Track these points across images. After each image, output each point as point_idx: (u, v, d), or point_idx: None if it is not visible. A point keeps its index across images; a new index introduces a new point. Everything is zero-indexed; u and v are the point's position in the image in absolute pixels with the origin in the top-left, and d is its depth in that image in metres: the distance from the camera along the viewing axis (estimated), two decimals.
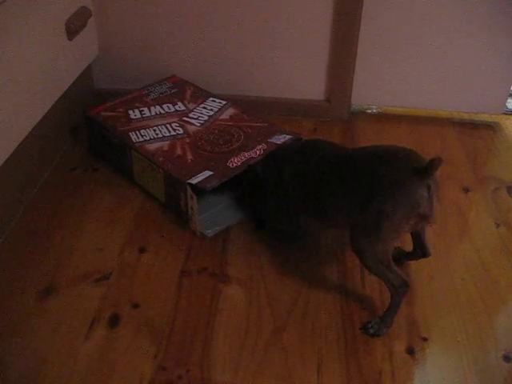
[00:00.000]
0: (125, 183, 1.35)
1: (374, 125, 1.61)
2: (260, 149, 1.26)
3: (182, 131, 1.34)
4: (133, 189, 1.34)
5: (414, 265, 1.14)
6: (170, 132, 1.34)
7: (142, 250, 1.17)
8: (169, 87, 1.52)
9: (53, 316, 1.03)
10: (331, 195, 1.04)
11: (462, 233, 1.24)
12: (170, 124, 1.37)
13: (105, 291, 1.08)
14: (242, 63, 1.59)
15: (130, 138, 1.31)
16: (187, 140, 1.31)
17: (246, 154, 1.24)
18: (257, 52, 1.57)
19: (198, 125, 1.37)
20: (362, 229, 0.98)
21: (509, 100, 1.65)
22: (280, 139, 1.29)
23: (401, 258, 1.14)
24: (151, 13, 1.54)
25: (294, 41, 1.54)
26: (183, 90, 1.51)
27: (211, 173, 1.19)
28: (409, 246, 1.13)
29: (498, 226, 1.25)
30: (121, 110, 1.42)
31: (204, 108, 1.43)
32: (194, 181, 1.16)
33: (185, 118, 1.39)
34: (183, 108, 1.43)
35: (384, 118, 1.65)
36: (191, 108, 1.43)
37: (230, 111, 1.42)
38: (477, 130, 1.60)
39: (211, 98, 1.47)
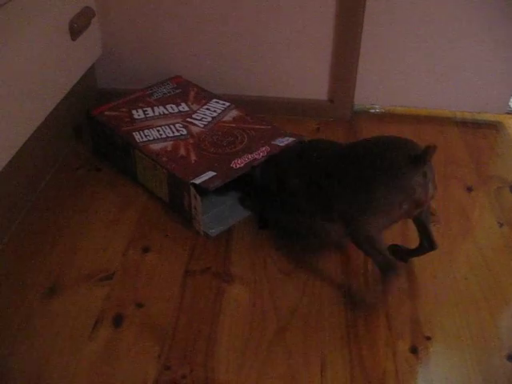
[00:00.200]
0: (128, 183, 1.36)
1: (376, 124, 1.61)
2: (263, 151, 1.26)
3: (185, 132, 1.34)
4: (136, 189, 1.34)
5: (417, 264, 1.14)
6: (173, 133, 1.34)
7: (145, 250, 1.17)
8: (172, 88, 1.52)
9: (57, 316, 1.03)
10: (334, 190, 1.04)
11: (465, 232, 1.23)
12: (173, 125, 1.37)
13: (108, 291, 1.08)
14: (245, 63, 1.60)
15: (134, 138, 1.31)
16: (191, 141, 1.31)
17: (250, 156, 1.24)
18: (259, 52, 1.58)
19: (202, 126, 1.37)
20: (356, 208, 1.00)
21: None
22: (283, 141, 1.29)
23: (406, 256, 1.14)
24: (155, 13, 1.55)
25: (297, 41, 1.55)
26: (187, 90, 1.52)
27: (214, 173, 1.19)
28: (412, 244, 1.13)
29: (501, 225, 1.25)
30: (124, 109, 1.42)
31: (207, 109, 1.43)
32: (197, 181, 1.17)
33: (188, 119, 1.39)
34: (187, 109, 1.43)
35: (387, 118, 1.65)
36: (195, 109, 1.43)
37: (234, 113, 1.42)
38: (480, 129, 1.60)
39: (215, 100, 1.47)
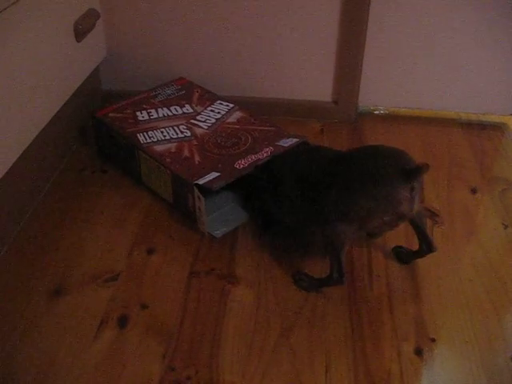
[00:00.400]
0: (133, 184, 1.36)
1: (381, 126, 1.61)
2: (267, 151, 1.26)
3: (189, 134, 1.35)
4: (141, 190, 1.34)
5: (421, 265, 1.14)
6: (177, 134, 1.34)
7: (150, 251, 1.18)
8: (176, 89, 1.53)
9: (62, 317, 1.03)
10: (326, 194, 1.04)
11: (469, 234, 1.23)
12: (177, 126, 1.37)
13: (113, 292, 1.08)
14: (250, 65, 1.60)
15: (138, 139, 1.31)
16: (195, 142, 1.31)
17: (253, 157, 1.24)
18: (264, 54, 1.58)
19: (206, 127, 1.37)
20: (338, 211, 1.00)
21: None
22: (287, 142, 1.29)
23: (408, 257, 1.14)
24: (159, 15, 1.55)
25: (301, 42, 1.55)
26: (191, 92, 1.52)
27: (218, 174, 1.19)
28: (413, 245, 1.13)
29: (506, 227, 1.25)
30: (128, 111, 1.43)
31: (211, 111, 1.44)
32: (201, 181, 1.17)
33: (192, 121, 1.39)
34: (191, 110, 1.44)
35: (391, 119, 1.65)
36: (199, 111, 1.44)
37: (238, 114, 1.42)
38: (484, 130, 1.60)
39: (219, 101, 1.48)
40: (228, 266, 1.14)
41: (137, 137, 1.32)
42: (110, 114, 1.41)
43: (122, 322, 1.03)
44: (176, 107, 1.45)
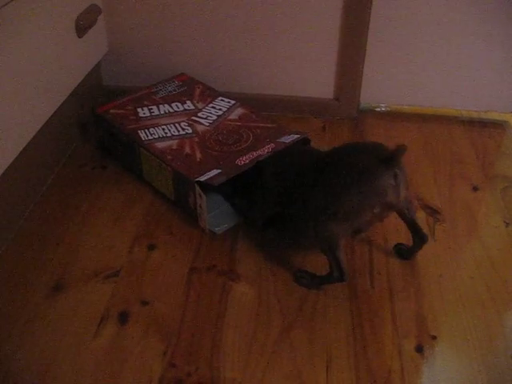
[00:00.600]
0: (134, 181, 1.36)
1: (382, 123, 1.61)
2: (268, 148, 1.26)
3: (190, 130, 1.34)
4: (142, 186, 1.34)
5: (422, 263, 1.14)
6: (178, 131, 1.34)
7: (151, 248, 1.18)
8: (177, 85, 1.52)
9: (62, 313, 1.03)
10: (311, 195, 1.05)
11: (471, 231, 1.23)
12: (178, 123, 1.37)
13: (114, 288, 1.08)
14: (251, 61, 1.59)
15: (139, 136, 1.31)
16: (196, 139, 1.31)
17: (255, 153, 1.24)
18: (266, 50, 1.57)
19: (207, 124, 1.37)
20: (327, 211, 1.00)
21: None
22: (289, 139, 1.28)
23: (408, 253, 1.14)
24: (161, 10, 1.55)
25: (303, 39, 1.54)
26: (192, 88, 1.52)
27: (219, 171, 1.19)
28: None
29: (507, 224, 1.24)
30: (129, 107, 1.42)
31: (213, 108, 1.43)
32: (202, 179, 1.17)
33: (194, 118, 1.39)
34: (192, 107, 1.43)
35: (393, 117, 1.64)
36: (200, 107, 1.43)
37: (239, 111, 1.42)
38: (486, 128, 1.59)
39: (220, 98, 1.47)
40: (229, 262, 1.14)
41: (138, 134, 1.32)
42: (111, 111, 1.41)
43: (123, 318, 1.02)
44: (177, 104, 1.44)
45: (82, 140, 1.51)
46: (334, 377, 0.93)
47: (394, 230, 1.20)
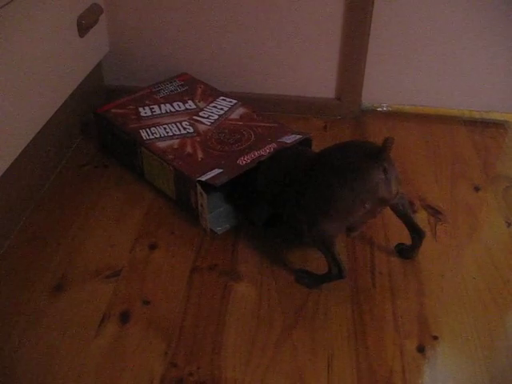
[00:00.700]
0: (135, 180, 1.36)
1: (384, 123, 1.61)
2: (270, 147, 1.26)
3: (192, 130, 1.34)
4: (143, 186, 1.34)
5: (424, 263, 1.14)
6: (180, 130, 1.34)
7: (152, 247, 1.17)
8: (179, 85, 1.52)
9: (63, 313, 1.03)
10: (300, 193, 1.06)
11: (472, 232, 1.23)
12: (180, 122, 1.37)
13: (115, 288, 1.08)
14: (253, 61, 1.59)
15: (141, 136, 1.31)
16: (197, 139, 1.31)
17: (256, 153, 1.24)
18: (267, 50, 1.57)
19: (209, 124, 1.37)
20: (319, 210, 1.01)
21: None
22: (290, 139, 1.28)
23: (409, 252, 1.15)
24: (162, 10, 1.55)
25: (305, 38, 1.54)
26: (193, 88, 1.51)
27: (221, 170, 1.19)
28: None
29: (509, 225, 1.24)
30: (131, 107, 1.42)
31: (214, 107, 1.43)
32: (203, 178, 1.17)
33: (195, 117, 1.39)
34: (194, 106, 1.43)
35: (394, 116, 1.64)
36: (201, 107, 1.43)
37: (241, 111, 1.42)
38: (488, 128, 1.59)
39: (221, 97, 1.47)
40: (230, 262, 1.14)
41: (139, 133, 1.32)
42: (113, 110, 1.41)
43: (124, 317, 1.02)
44: (179, 103, 1.44)
45: (83, 139, 1.51)
46: (335, 377, 0.93)
47: (396, 230, 1.20)
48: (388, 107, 1.67)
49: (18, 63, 1.12)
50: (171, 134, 1.32)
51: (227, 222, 1.23)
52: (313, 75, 1.60)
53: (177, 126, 1.35)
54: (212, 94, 1.49)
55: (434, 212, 1.27)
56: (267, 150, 1.25)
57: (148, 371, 0.93)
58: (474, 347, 0.98)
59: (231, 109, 1.42)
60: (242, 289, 1.08)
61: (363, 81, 1.59)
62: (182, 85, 1.52)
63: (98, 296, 1.06)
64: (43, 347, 0.97)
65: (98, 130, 1.46)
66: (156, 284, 1.09)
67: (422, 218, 1.24)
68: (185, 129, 1.34)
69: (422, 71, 1.58)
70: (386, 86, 1.62)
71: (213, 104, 1.44)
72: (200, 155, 1.25)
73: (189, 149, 1.27)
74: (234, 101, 1.45)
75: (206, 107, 1.43)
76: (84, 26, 1.37)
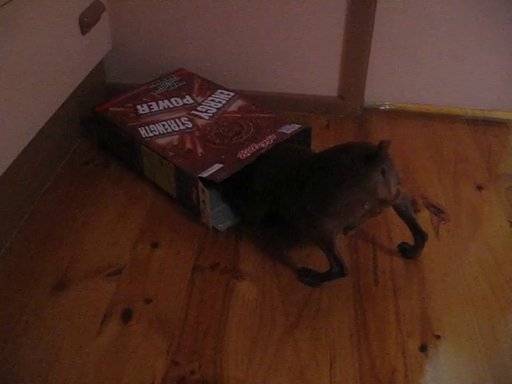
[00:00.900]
0: (137, 178, 1.35)
1: (386, 121, 1.61)
2: (270, 139, 1.25)
3: (191, 125, 1.34)
4: (145, 184, 1.34)
5: (426, 262, 1.13)
6: (179, 126, 1.33)
7: (154, 245, 1.17)
8: (176, 81, 1.52)
9: (65, 310, 1.03)
10: (297, 196, 1.06)
11: (475, 231, 1.23)
12: (178, 118, 1.36)
13: (117, 286, 1.08)
14: (255, 59, 1.59)
15: (140, 134, 1.31)
16: (197, 133, 1.31)
17: (256, 145, 1.24)
18: (269, 47, 1.57)
19: (207, 118, 1.36)
20: (318, 210, 1.01)
21: None
22: (289, 129, 1.28)
23: (412, 252, 1.14)
24: (164, 6, 1.54)
25: (307, 36, 1.54)
26: (191, 82, 1.51)
27: (221, 165, 1.19)
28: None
29: (511, 224, 1.24)
30: (129, 105, 1.42)
31: (212, 101, 1.43)
32: (204, 174, 1.16)
33: (193, 112, 1.39)
34: (191, 101, 1.43)
35: (397, 115, 1.64)
36: (199, 101, 1.43)
37: (239, 103, 1.42)
38: (490, 127, 1.59)
39: (219, 90, 1.47)
40: (232, 260, 1.14)
41: (138, 131, 1.32)
42: (111, 109, 1.40)
43: (126, 316, 1.02)
44: (176, 99, 1.44)
45: (84, 138, 1.51)
46: (337, 376, 0.93)
47: (399, 229, 1.20)
48: (391, 106, 1.67)
49: (19, 61, 1.12)
50: (170, 130, 1.32)
51: (229, 219, 1.23)
52: (315, 73, 1.60)
53: (175, 122, 1.35)
54: (210, 87, 1.49)
55: (437, 211, 1.26)
56: (267, 141, 1.25)
57: (150, 369, 0.93)
58: (477, 347, 0.98)
59: (229, 101, 1.42)
60: (243, 287, 1.08)
61: (366, 79, 1.58)
62: (179, 80, 1.52)
63: (99, 294, 1.06)
64: (45, 346, 0.97)
65: (97, 129, 1.46)
66: (158, 282, 1.09)
67: (424, 216, 1.24)
68: (183, 124, 1.34)
69: (425, 70, 1.58)
70: (389, 85, 1.62)
71: (210, 98, 1.44)
72: (200, 150, 1.25)
73: (188, 145, 1.27)
74: (232, 93, 1.45)
75: (203, 101, 1.43)
76: (86, 23, 1.37)
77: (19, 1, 1.08)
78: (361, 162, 0.97)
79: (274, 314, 1.03)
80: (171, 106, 1.41)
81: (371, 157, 0.97)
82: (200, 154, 1.24)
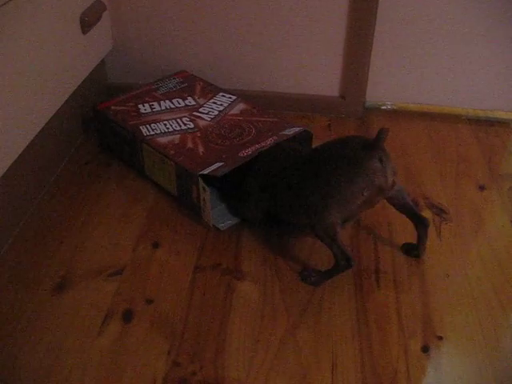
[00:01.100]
0: (138, 178, 1.35)
1: (388, 121, 1.60)
2: (271, 141, 1.25)
3: (192, 125, 1.34)
4: (146, 184, 1.33)
5: (429, 262, 1.13)
6: (180, 126, 1.33)
7: (155, 246, 1.17)
8: (178, 82, 1.52)
9: (66, 311, 1.03)
10: (296, 190, 1.07)
11: (477, 231, 1.22)
12: (180, 118, 1.36)
13: (118, 286, 1.08)
14: (257, 58, 1.59)
15: (141, 132, 1.30)
16: (198, 134, 1.30)
17: (258, 146, 1.23)
18: (270, 47, 1.57)
19: (209, 119, 1.36)
20: (318, 202, 1.02)
21: None
22: (291, 131, 1.28)
23: (416, 249, 1.14)
24: (165, 7, 1.54)
25: (309, 36, 1.53)
26: (193, 84, 1.51)
27: (222, 163, 1.18)
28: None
29: None
30: (131, 104, 1.42)
31: (214, 103, 1.43)
32: (205, 172, 1.16)
33: (195, 113, 1.38)
34: (193, 103, 1.43)
35: (398, 115, 1.63)
36: (201, 103, 1.43)
37: (241, 106, 1.41)
38: (492, 127, 1.58)
39: (221, 93, 1.47)
40: (234, 260, 1.14)
41: (139, 129, 1.31)
42: (112, 107, 1.40)
43: (127, 316, 1.02)
44: (178, 99, 1.44)
45: (85, 137, 1.50)
46: (339, 376, 0.92)
47: (401, 229, 1.20)
48: (392, 105, 1.66)
49: (19, 60, 1.11)
50: (172, 129, 1.32)
51: (230, 219, 1.23)
52: (317, 73, 1.59)
53: (177, 122, 1.34)
54: (212, 90, 1.48)
55: (439, 211, 1.26)
56: (269, 142, 1.24)
57: (151, 370, 0.93)
58: (479, 347, 0.97)
59: (231, 104, 1.42)
60: (245, 288, 1.08)
61: (367, 79, 1.58)
62: (181, 82, 1.52)
63: (100, 295, 1.06)
64: (45, 346, 0.97)
65: (97, 128, 1.45)
66: (159, 283, 1.09)
67: (426, 216, 1.23)
68: (185, 124, 1.34)
69: (427, 69, 1.57)
70: (391, 84, 1.61)
71: (212, 100, 1.44)
72: (201, 150, 1.25)
73: (190, 144, 1.27)
74: (234, 97, 1.45)
75: (205, 103, 1.42)
76: (87, 22, 1.37)
77: (20, 0, 1.08)
78: (359, 150, 1.00)
79: (276, 314, 1.03)
80: (173, 106, 1.41)
81: (370, 144, 1.00)
82: (201, 153, 1.23)
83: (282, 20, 1.52)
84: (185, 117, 1.37)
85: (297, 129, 1.29)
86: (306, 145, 1.31)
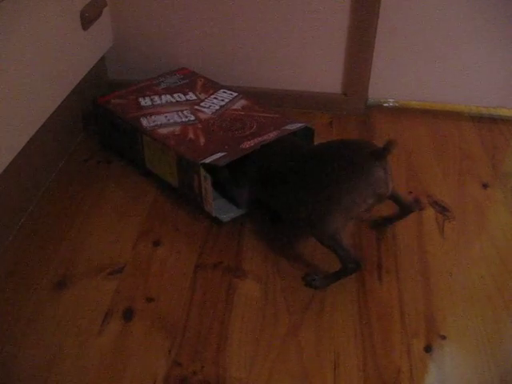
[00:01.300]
0: (139, 175, 1.35)
1: (390, 118, 1.59)
2: (273, 134, 1.24)
3: (193, 118, 1.33)
4: (147, 181, 1.33)
5: (432, 261, 1.12)
6: (181, 118, 1.32)
7: (156, 243, 1.16)
8: (179, 78, 1.51)
9: (66, 310, 1.02)
10: (298, 192, 1.06)
11: (480, 229, 1.22)
12: (181, 111, 1.35)
13: (118, 285, 1.07)
14: (258, 55, 1.58)
15: (141, 124, 1.30)
16: (199, 125, 1.30)
17: (260, 139, 1.22)
18: (272, 44, 1.56)
19: (210, 113, 1.35)
20: (322, 208, 1.02)
21: None
22: (293, 126, 1.27)
23: (385, 221, 1.18)
24: (166, 2, 1.53)
25: (311, 33, 1.53)
26: (194, 81, 1.50)
27: (224, 153, 1.17)
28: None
29: None
30: (131, 97, 1.41)
31: (215, 98, 1.42)
32: (207, 161, 1.15)
33: (196, 107, 1.38)
34: (194, 98, 1.42)
35: (401, 112, 1.63)
36: (202, 98, 1.42)
37: (242, 102, 1.40)
38: (496, 124, 1.57)
39: (222, 90, 1.46)
40: (235, 259, 1.13)
41: (140, 121, 1.31)
42: (112, 101, 1.39)
43: (127, 315, 1.01)
44: (179, 94, 1.43)
45: (86, 133, 1.50)
46: (341, 376, 0.92)
47: (403, 229, 1.19)
48: (395, 103, 1.65)
49: (20, 57, 1.11)
50: (172, 121, 1.31)
51: (232, 211, 1.22)
52: (319, 70, 1.58)
53: (178, 115, 1.34)
54: (213, 86, 1.48)
55: (442, 209, 1.25)
56: (271, 136, 1.23)
57: (151, 369, 0.92)
58: (483, 347, 0.97)
59: (232, 100, 1.41)
60: (246, 286, 1.07)
61: (370, 76, 1.57)
62: (181, 78, 1.51)
63: (100, 293, 1.05)
64: (46, 345, 0.96)
65: (97, 124, 1.45)
66: (160, 281, 1.08)
67: (429, 215, 1.23)
68: (186, 117, 1.33)
69: (429, 67, 1.56)
70: (393, 82, 1.61)
71: (214, 96, 1.43)
72: (202, 140, 1.24)
73: (191, 135, 1.26)
74: (235, 93, 1.44)
75: (206, 98, 1.41)
76: (87, 19, 1.36)
77: None
78: (366, 159, 1.00)
79: (277, 313, 1.02)
80: (174, 100, 1.40)
81: (377, 154, 1.00)
82: (202, 144, 1.22)
83: (284, 17, 1.51)
84: (186, 110, 1.36)
85: (299, 125, 1.28)
86: (308, 141, 1.30)
